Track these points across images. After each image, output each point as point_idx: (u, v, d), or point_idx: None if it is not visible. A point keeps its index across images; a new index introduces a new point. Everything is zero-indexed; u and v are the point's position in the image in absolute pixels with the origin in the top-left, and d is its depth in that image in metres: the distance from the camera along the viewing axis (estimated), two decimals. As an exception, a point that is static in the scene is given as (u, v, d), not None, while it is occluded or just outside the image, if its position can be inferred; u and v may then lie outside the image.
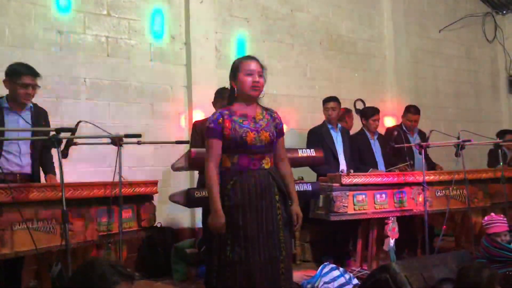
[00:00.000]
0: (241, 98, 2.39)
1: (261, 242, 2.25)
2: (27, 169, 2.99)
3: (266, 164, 2.36)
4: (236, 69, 2.38)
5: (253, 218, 2.26)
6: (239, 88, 2.37)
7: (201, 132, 3.40)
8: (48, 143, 3.03)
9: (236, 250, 2.23)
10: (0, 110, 2.92)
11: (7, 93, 2.99)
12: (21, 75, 2.90)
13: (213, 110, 3.26)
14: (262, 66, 2.39)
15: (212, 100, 3.67)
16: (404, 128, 4.78)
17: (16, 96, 2.93)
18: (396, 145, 4.23)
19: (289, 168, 2.52)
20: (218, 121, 2.34)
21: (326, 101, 4.45)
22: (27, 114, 2.99)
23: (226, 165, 2.35)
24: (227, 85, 2.50)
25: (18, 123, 2.95)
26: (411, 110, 4.79)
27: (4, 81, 2.96)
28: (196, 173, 3.34)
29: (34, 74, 2.96)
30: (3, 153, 2.89)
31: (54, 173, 3.15)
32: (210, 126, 2.35)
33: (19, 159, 2.95)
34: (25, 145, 2.98)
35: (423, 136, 4.70)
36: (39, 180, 3.08)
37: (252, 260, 2.22)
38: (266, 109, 2.47)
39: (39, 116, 3.06)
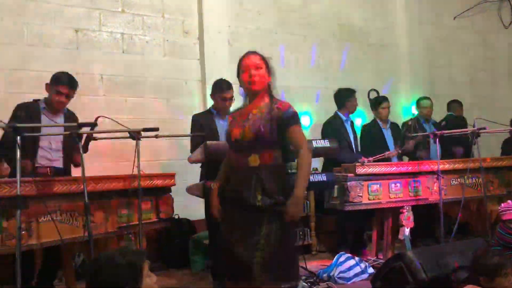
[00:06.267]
0: (248, 95, 2.39)
1: (241, 234, 2.24)
2: (57, 163, 3.16)
3: (253, 161, 2.24)
4: (238, 71, 2.39)
5: (235, 212, 2.30)
6: (242, 87, 2.39)
7: (198, 124, 3.50)
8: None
9: (225, 235, 2.31)
10: (38, 111, 3.11)
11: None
12: (59, 84, 3.10)
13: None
14: (263, 58, 2.35)
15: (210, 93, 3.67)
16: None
17: (50, 101, 3.14)
18: (412, 135, 4.24)
19: (302, 159, 2.27)
20: (228, 119, 2.47)
21: (351, 95, 4.40)
22: (61, 117, 3.21)
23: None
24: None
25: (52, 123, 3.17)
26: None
27: (46, 84, 3.15)
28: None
29: (71, 85, 3.14)
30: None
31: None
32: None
33: (50, 154, 3.13)
34: (56, 142, 3.17)
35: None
36: (70, 174, 3.25)
37: (232, 246, 2.24)
38: (272, 102, 2.33)
39: (70, 119, 3.26)
